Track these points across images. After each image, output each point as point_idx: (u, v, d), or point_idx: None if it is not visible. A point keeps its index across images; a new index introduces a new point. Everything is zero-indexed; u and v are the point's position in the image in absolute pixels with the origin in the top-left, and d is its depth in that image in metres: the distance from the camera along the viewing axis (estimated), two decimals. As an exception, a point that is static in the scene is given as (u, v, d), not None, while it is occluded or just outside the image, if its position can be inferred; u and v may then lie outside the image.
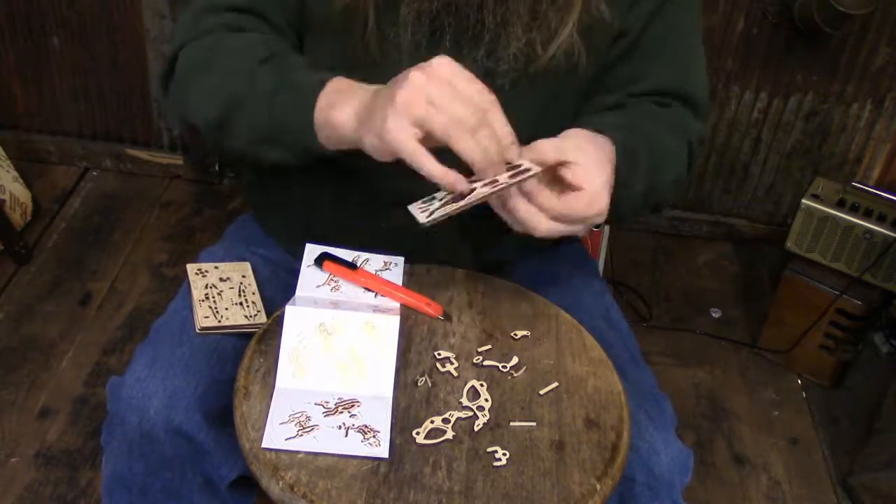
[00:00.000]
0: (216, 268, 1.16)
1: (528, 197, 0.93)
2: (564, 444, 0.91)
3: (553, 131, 0.98)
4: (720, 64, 2.19)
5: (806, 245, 2.00)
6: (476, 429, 0.91)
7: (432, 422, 0.91)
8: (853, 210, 1.95)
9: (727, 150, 2.32)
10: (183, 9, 1.12)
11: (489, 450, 0.89)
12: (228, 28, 1.07)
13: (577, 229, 0.96)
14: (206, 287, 1.12)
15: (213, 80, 1.04)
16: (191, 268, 1.16)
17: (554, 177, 0.94)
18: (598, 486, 0.87)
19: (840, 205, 1.96)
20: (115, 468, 1.06)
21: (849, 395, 2.06)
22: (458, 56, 0.97)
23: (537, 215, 0.93)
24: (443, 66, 0.89)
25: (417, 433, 0.89)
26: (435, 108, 0.87)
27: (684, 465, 1.07)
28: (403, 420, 0.91)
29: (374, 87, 0.94)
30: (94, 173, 2.45)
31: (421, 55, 0.98)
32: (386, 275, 1.05)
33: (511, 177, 0.90)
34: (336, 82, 0.98)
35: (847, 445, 1.92)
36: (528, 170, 0.90)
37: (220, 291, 1.12)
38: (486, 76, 1.02)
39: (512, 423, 0.92)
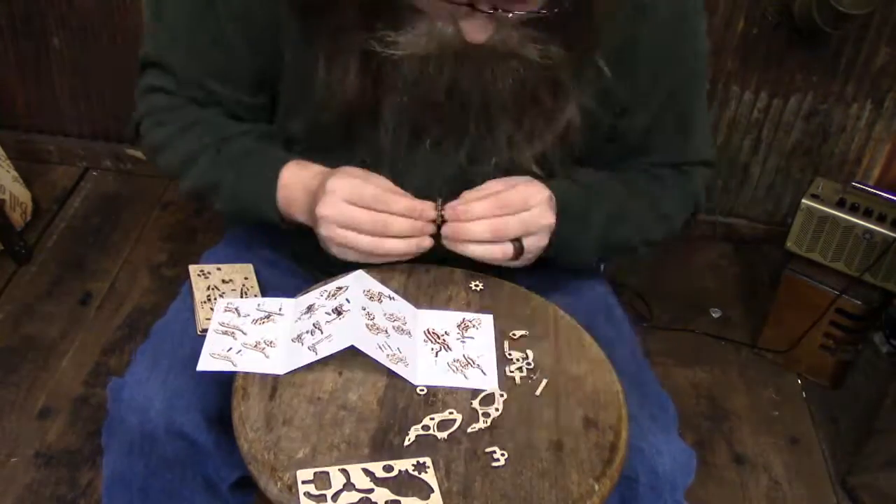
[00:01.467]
0: (218, 269, 1.15)
1: (467, 210, 1.02)
2: (563, 444, 0.91)
3: None
4: (720, 64, 2.19)
5: (806, 245, 2.00)
6: (476, 429, 0.91)
7: (432, 418, 0.91)
8: (853, 210, 1.95)
9: (727, 150, 2.32)
10: (138, 81, 1.18)
11: (487, 450, 0.89)
12: (168, 108, 1.15)
13: (539, 237, 1.05)
14: (208, 288, 1.12)
15: (175, 164, 1.14)
16: (193, 269, 1.15)
17: None
18: (597, 487, 0.87)
19: (840, 205, 1.96)
20: (115, 469, 1.06)
21: (849, 395, 2.06)
22: (438, 158, 1.07)
23: (477, 224, 1.02)
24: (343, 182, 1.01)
25: (416, 432, 0.90)
26: (354, 210, 1.00)
27: (687, 466, 1.07)
28: (402, 420, 0.91)
29: (314, 185, 1.05)
30: (94, 173, 2.45)
31: (401, 158, 1.07)
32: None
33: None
34: (286, 175, 1.08)
35: (847, 445, 1.92)
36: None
37: (222, 293, 1.11)
38: (468, 181, 1.07)
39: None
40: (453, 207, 1.02)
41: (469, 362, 0.98)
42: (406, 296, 1.05)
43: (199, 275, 1.14)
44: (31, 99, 2.38)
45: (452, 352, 0.99)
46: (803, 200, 1.98)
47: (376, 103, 1.04)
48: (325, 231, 1.02)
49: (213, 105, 1.14)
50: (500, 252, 1.04)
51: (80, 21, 2.24)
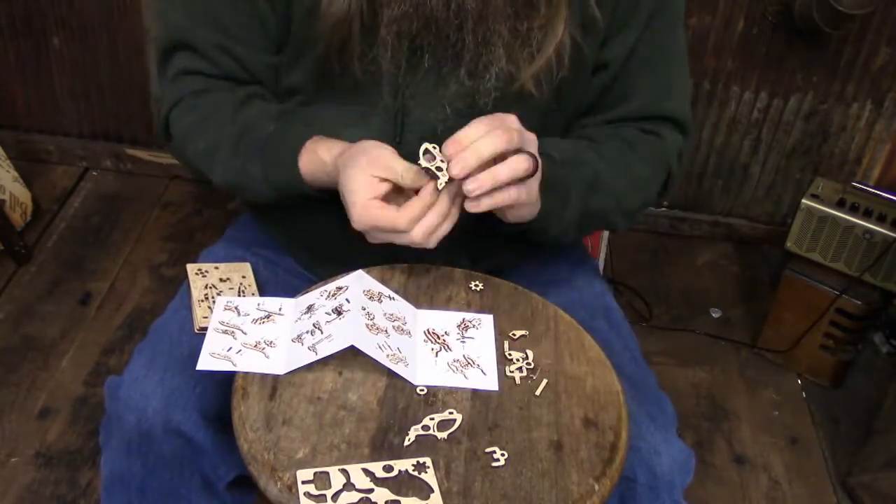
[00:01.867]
0: (216, 268, 1.16)
1: (473, 149, 0.96)
2: (563, 444, 0.91)
3: None
4: (720, 64, 2.19)
5: (806, 245, 2.00)
6: (474, 430, 0.91)
7: (432, 418, 0.91)
8: (853, 210, 1.95)
9: (727, 150, 2.32)
10: (161, 71, 1.19)
11: (487, 450, 0.89)
12: (203, 91, 1.15)
13: (520, 169, 0.98)
14: (206, 287, 1.12)
15: (203, 154, 1.15)
16: (191, 268, 1.16)
17: None
18: (597, 487, 0.87)
19: (840, 205, 1.96)
20: (113, 468, 1.06)
21: (849, 395, 2.06)
22: (438, 75, 1.05)
23: (481, 142, 0.95)
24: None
25: (415, 432, 0.90)
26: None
27: (685, 466, 1.07)
28: (402, 420, 0.91)
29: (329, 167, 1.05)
30: (94, 173, 2.45)
31: (401, 76, 1.06)
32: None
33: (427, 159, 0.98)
34: (307, 150, 1.08)
35: (847, 445, 1.92)
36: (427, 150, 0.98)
37: (219, 292, 1.12)
38: (468, 95, 1.06)
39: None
40: (447, 145, 0.96)
41: (469, 362, 0.98)
42: (406, 296, 1.05)
43: (196, 273, 1.14)
44: (31, 99, 2.38)
45: (452, 352, 0.99)
46: (803, 200, 1.98)
47: (373, 18, 1.03)
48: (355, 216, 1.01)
49: (245, 75, 1.15)
50: (524, 161, 0.97)
51: (80, 21, 2.24)
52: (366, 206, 0.98)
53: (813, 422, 1.99)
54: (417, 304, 1.05)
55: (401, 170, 0.98)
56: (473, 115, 0.99)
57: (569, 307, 1.10)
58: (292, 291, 1.08)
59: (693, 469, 1.09)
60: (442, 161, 0.97)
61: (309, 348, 0.94)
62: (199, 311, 1.08)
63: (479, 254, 1.18)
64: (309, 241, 1.22)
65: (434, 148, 0.97)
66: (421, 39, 1.04)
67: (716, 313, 2.24)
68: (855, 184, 2.01)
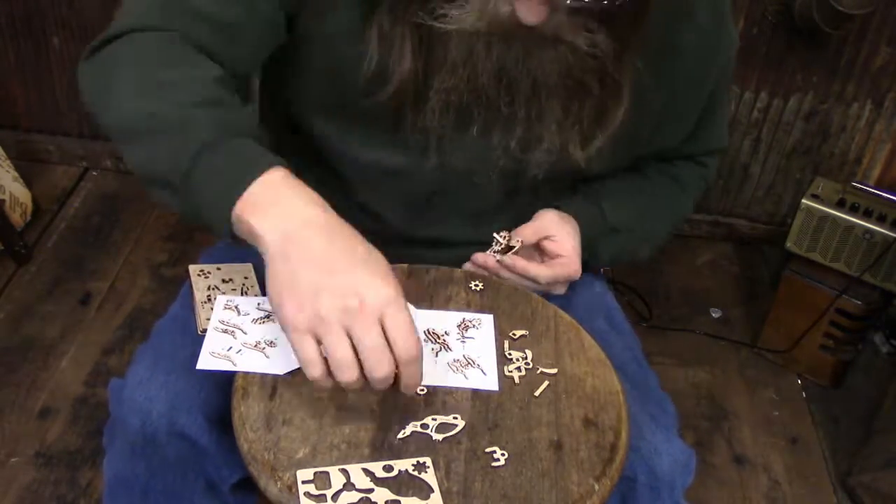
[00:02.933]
0: (218, 269, 1.15)
1: (524, 271, 1.11)
2: (563, 444, 0.91)
3: None
4: (720, 64, 2.19)
5: (806, 245, 2.00)
6: (474, 430, 0.91)
7: (434, 419, 0.91)
8: (853, 210, 1.95)
9: (727, 150, 2.32)
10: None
11: (487, 450, 0.89)
12: (194, 41, 0.96)
13: (557, 290, 1.16)
14: (209, 288, 1.12)
15: (147, 84, 0.91)
16: (193, 269, 1.15)
17: (532, 252, 1.16)
18: (597, 487, 0.87)
19: (840, 205, 1.96)
20: (116, 470, 1.06)
21: (849, 395, 2.06)
22: (487, 144, 1.07)
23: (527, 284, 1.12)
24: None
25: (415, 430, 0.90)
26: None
27: (686, 466, 1.07)
28: (402, 420, 0.91)
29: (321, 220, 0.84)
30: (94, 173, 2.45)
31: (446, 142, 1.08)
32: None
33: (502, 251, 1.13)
34: (267, 183, 0.84)
35: (847, 445, 1.92)
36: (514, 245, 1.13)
37: (222, 293, 1.11)
38: (519, 164, 1.09)
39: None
40: (512, 257, 1.11)
41: (469, 362, 0.98)
42: (406, 296, 1.05)
43: (199, 275, 1.14)
44: (31, 99, 2.38)
45: (453, 352, 0.99)
46: (803, 200, 1.98)
47: (425, 81, 1.03)
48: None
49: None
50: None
51: (80, 21, 2.24)
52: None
53: (813, 422, 1.99)
54: (417, 304, 1.05)
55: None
56: (520, 182, 1.12)
57: (569, 307, 1.10)
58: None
59: (694, 469, 1.09)
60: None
61: None
62: (202, 313, 1.08)
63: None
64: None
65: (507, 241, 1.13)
66: (471, 110, 1.04)
67: (716, 313, 2.24)
68: (855, 184, 2.01)
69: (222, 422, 1.00)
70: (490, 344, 1.01)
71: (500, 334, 1.03)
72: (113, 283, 2.10)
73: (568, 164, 1.08)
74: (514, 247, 1.13)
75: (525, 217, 1.17)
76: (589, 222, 1.18)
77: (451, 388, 0.95)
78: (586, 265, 1.18)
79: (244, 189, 0.84)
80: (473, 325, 1.02)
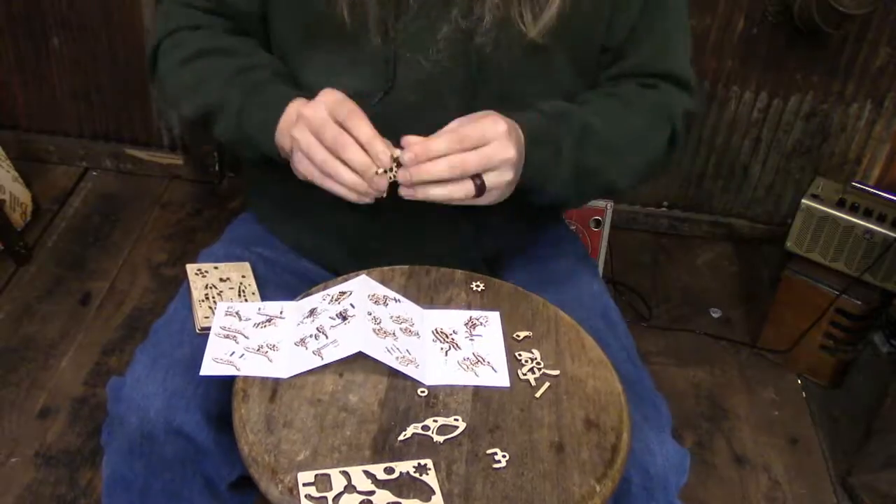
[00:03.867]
0: (216, 268, 1.16)
1: (426, 149, 0.97)
2: (564, 445, 0.91)
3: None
4: (720, 64, 2.19)
5: (806, 245, 2.00)
6: (475, 431, 0.91)
7: (436, 420, 0.91)
8: (853, 210, 1.95)
9: (727, 150, 2.32)
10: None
11: (489, 451, 0.89)
12: (196, 26, 1.15)
13: (503, 173, 1.00)
14: (206, 287, 1.12)
15: (188, 84, 1.13)
16: (190, 268, 1.15)
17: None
18: (598, 488, 0.87)
19: (840, 205, 1.96)
20: (115, 469, 1.06)
21: (849, 395, 2.06)
22: (428, 18, 1.04)
23: (434, 164, 0.97)
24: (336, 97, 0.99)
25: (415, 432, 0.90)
26: (328, 123, 0.98)
27: (680, 466, 1.07)
28: (403, 421, 0.91)
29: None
30: (94, 173, 2.45)
31: (389, 20, 1.04)
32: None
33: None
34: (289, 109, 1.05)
35: (847, 445, 1.92)
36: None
37: (220, 292, 1.12)
38: (464, 38, 1.05)
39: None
40: (410, 146, 0.97)
41: (479, 360, 0.98)
42: (406, 297, 1.05)
43: (196, 274, 1.14)
44: (31, 99, 2.38)
45: (462, 350, 0.99)
46: (803, 200, 1.98)
47: None
48: (297, 132, 1.00)
49: (232, 15, 1.16)
50: (461, 191, 0.99)
51: (80, 21, 2.24)
52: (322, 109, 0.99)
53: (813, 422, 1.99)
54: (419, 305, 1.05)
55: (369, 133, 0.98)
56: (471, 58, 1.03)
57: (566, 306, 1.10)
58: (291, 289, 1.08)
59: (688, 469, 1.09)
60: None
61: (314, 352, 0.94)
62: (199, 312, 1.08)
63: (481, 231, 1.18)
64: (308, 233, 1.22)
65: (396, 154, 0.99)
66: None
67: (716, 313, 2.24)
68: (855, 184, 2.01)
69: (220, 420, 1.01)
70: (499, 341, 1.01)
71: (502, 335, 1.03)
72: (113, 283, 2.10)
73: (520, 35, 1.04)
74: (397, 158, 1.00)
75: None
76: (534, 127, 1.05)
77: (460, 386, 0.95)
78: (557, 179, 1.07)
79: (276, 124, 1.06)
80: (481, 323, 1.02)
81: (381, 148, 0.97)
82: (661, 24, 1.15)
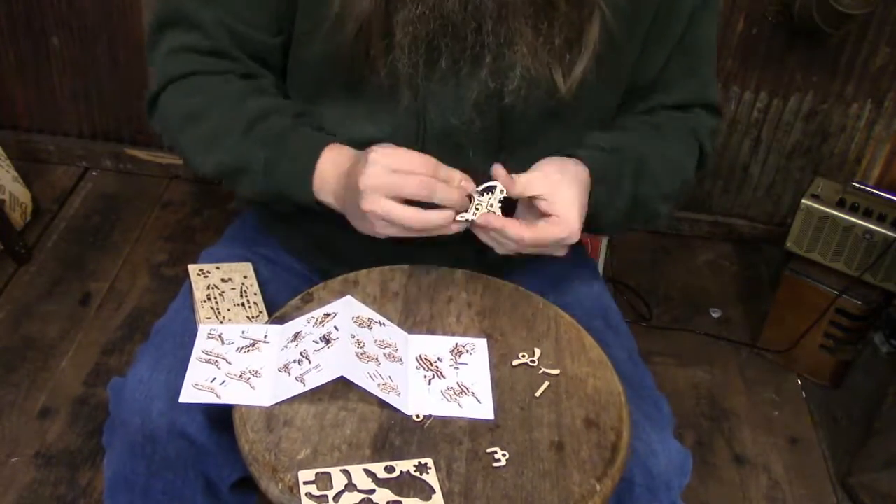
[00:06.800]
0: (218, 268, 1.16)
1: (501, 231, 1.00)
2: (564, 444, 0.91)
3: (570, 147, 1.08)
4: (720, 64, 2.19)
5: (806, 245, 2.00)
6: (476, 430, 0.91)
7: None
8: (853, 210, 1.95)
9: (727, 150, 2.32)
10: (152, 46, 1.14)
11: (489, 450, 0.89)
12: (208, 71, 1.11)
13: (556, 252, 1.04)
14: (208, 288, 1.12)
15: (203, 138, 1.09)
16: (192, 268, 1.15)
17: (530, 203, 1.03)
18: (598, 487, 0.87)
19: (840, 205, 1.96)
20: (117, 469, 1.06)
21: (849, 395, 2.06)
22: (457, 78, 1.04)
23: (510, 245, 1.01)
24: (385, 151, 0.98)
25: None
26: (400, 176, 0.96)
27: (682, 466, 1.07)
28: (403, 420, 0.91)
29: (347, 166, 1.02)
30: (94, 173, 2.45)
31: (419, 78, 1.04)
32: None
33: (481, 193, 1.00)
34: (324, 158, 1.04)
35: (847, 445, 1.92)
36: (495, 186, 1.00)
37: (221, 292, 1.11)
38: (493, 96, 1.05)
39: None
40: (490, 221, 0.99)
41: (463, 390, 0.95)
42: (406, 296, 1.05)
43: (198, 274, 1.14)
44: (31, 99, 2.38)
45: (446, 379, 0.96)
46: (803, 200, 1.98)
47: (388, 18, 1.01)
48: (368, 204, 0.96)
49: (243, 55, 1.11)
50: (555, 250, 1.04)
51: (80, 21, 2.24)
52: (388, 172, 0.97)
53: (813, 422, 1.99)
54: (418, 305, 1.05)
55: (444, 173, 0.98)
56: (502, 115, 1.05)
57: (566, 307, 1.10)
58: (293, 290, 1.08)
59: (690, 470, 1.09)
60: (487, 204, 1.00)
61: (297, 379, 0.92)
62: (201, 312, 1.08)
63: (483, 247, 1.18)
64: (311, 240, 1.22)
65: (502, 192, 1.00)
66: (437, 42, 1.01)
67: (716, 313, 2.24)
68: (855, 184, 2.01)
69: (222, 421, 1.00)
70: (484, 370, 0.98)
71: (502, 335, 1.03)
72: (113, 283, 2.10)
73: (548, 93, 1.05)
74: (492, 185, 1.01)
75: None
76: (598, 165, 1.07)
77: (445, 417, 0.93)
78: (614, 215, 1.10)
79: (312, 175, 1.05)
80: (466, 351, 1.00)
81: (463, 177, 1.00)
82: (695, 59, 1.17)
